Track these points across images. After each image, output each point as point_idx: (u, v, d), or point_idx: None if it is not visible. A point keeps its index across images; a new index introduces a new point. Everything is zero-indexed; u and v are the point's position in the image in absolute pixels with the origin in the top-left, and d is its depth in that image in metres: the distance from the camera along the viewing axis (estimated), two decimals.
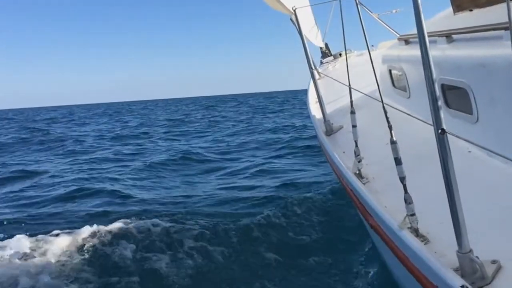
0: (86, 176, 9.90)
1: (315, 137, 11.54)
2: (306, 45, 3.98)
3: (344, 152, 3.21)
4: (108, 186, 8.56)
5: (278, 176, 8.66)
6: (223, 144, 14.57)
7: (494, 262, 1.49)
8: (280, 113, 29.51)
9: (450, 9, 3.22)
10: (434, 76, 1.40)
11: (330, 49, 7.39)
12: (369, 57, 2.23)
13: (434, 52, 1.97)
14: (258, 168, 9.59)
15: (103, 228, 5.46)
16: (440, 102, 1.43)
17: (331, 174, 7.19)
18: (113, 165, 11.27)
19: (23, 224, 6.19)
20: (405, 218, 1.84)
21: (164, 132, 20.24)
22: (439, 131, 1.40)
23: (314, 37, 5.95)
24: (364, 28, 2.00)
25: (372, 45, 6.16)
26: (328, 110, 4.07)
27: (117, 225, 5.59)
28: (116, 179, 9.34)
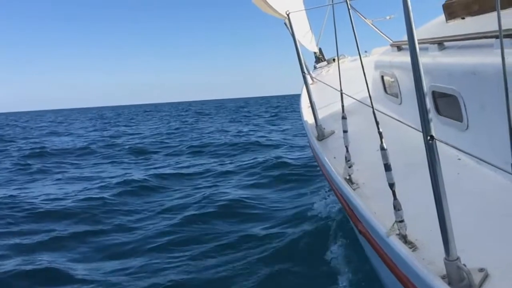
0: None
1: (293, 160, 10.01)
2: (299, 50, 3.99)
3: (335, 157, 3.21)
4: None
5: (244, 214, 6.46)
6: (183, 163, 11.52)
7: (481, 270, 1.49)
8: (271, 123, 26.46)
9: (443, 16, 3.25)
10: (424, 83, 1.40)
11: (324, 54, 7.43)
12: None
13: (425, 59, 1.97)
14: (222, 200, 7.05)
15: None
16: (430, 109, 1.43)
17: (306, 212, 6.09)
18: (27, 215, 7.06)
19: None
20: (393, 224, 1.84)
21: (134, 144, 17.37)
22: (428, 137, 1.40)
23: (309, 42, 5.98)
24: (356, 33, 2.00)
25: (366, 51, 6.20)
26: (320, 115, 4.08)
27: None
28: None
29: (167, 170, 10.67)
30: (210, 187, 8.40)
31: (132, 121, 42.04)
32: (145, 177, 9.44)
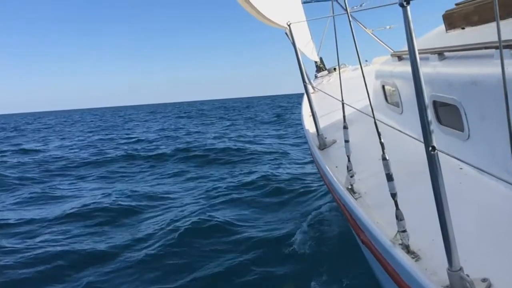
0: None
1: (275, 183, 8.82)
2: (300, 59, 4.02)
3: (336, 167, 3.21)
4: None
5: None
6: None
7: (484, 280, 1.48)
8: (272, 126, 24.75)
9: (443, 26, 3.27)
10: (425, 93, 1.41)
11: (325, 64, 7.48)
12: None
13: (426, 69, 1.99)
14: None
15: None
16: (431, 119, 1.43)
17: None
18: None
19: None
20: (396, 234, 1.84)
21: (128, 150, 15.95)
22: (430, 148, 1.40)
23: (310, 51, 6.02)
24: (357, 43, 2.01)
25: (366, 60, 6.24)
26: (322, 124, 4.09)
27: None
28: None
29: (153, 186, 9.55)
30: (199, 203, 7.56)
31: (132, 123, 40.45)
32: (129, 195, 8.38)
